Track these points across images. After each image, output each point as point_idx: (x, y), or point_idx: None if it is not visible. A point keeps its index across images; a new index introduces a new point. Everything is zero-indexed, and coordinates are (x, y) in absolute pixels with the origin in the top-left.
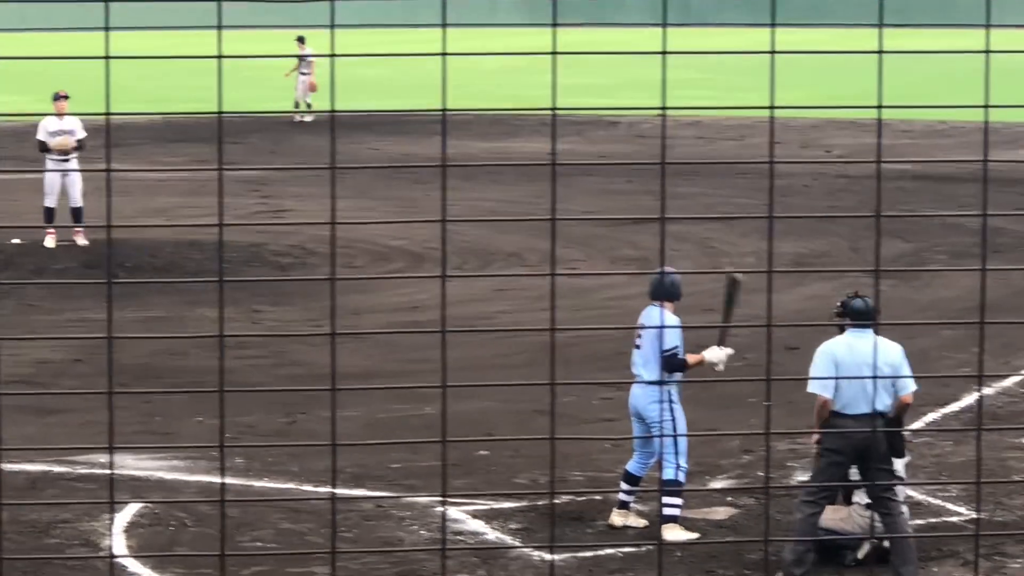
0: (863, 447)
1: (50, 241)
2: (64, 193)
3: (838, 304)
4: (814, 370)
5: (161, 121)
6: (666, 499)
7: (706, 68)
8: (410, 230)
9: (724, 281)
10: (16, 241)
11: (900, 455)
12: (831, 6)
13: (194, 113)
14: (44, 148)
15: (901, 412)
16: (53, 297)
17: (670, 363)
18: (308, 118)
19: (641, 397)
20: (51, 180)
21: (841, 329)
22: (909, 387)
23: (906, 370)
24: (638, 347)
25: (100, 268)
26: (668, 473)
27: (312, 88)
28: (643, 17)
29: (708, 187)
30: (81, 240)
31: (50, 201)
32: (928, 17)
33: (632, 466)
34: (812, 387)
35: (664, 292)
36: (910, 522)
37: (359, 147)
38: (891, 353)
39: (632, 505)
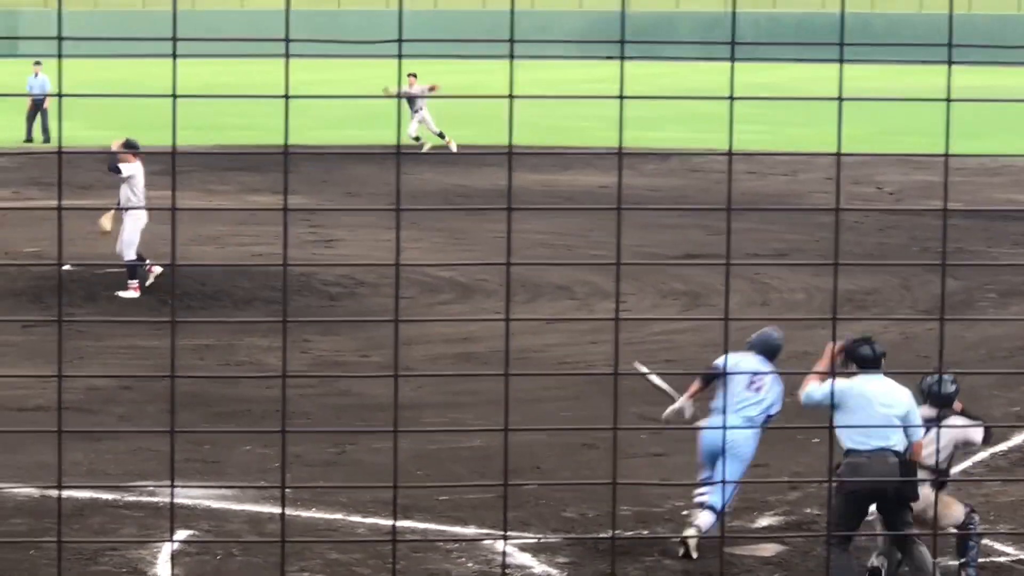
0: (879, 486)
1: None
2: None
3: (842, 345)
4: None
5: (213, 147)
6: (704, 514)
7: (758, 101)
8: (460, 261)
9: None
10: (67, 268)
11: (912, 499)
12: (884, 36)
13: (265, 151)
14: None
15: (913, 457)
16: (102, 323)
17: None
18: (425, 147)
19: (752, 438)
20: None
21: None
22: (918, 434)
23: (915, 414)
24: (757, 390)
25: (150, 294)
26: (715, 500)
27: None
28: (692, 46)
29: (759, 222)
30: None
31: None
32: (987, 51)
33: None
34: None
35: (770, 350)
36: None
37: (409, 177)
38: (900, 396)
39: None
